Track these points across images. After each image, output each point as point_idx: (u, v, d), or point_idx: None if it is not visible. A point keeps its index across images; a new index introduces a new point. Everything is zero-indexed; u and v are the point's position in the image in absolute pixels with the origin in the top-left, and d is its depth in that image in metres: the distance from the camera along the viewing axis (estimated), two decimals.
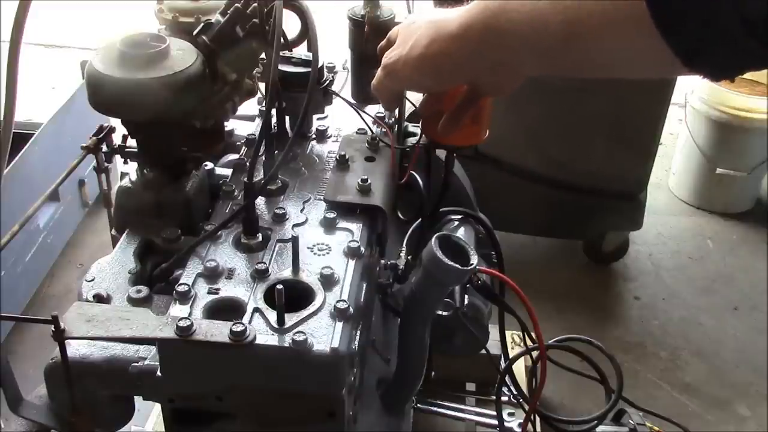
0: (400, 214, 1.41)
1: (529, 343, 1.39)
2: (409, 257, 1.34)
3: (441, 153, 1.28)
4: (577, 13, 0.70)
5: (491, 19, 0.78)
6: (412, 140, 1.43)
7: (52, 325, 0.95)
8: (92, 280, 1.14)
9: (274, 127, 1.38)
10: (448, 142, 1.20)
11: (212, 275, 1.08)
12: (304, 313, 1.00)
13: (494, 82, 0.87)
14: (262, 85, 1.40)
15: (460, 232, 1.40)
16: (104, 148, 1.34)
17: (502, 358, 1.54)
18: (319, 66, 1.32)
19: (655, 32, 0.64)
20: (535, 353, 1.41)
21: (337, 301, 1.01)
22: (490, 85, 0.89)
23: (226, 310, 1.03)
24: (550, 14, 0.72)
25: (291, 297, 0.99)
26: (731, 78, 0.67)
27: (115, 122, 1.29)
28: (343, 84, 1.51)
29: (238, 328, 0.94)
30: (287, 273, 1.08)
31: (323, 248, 1.14)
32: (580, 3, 0.70)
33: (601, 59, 0.75)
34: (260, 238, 1.15)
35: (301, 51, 1.44)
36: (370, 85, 1.04)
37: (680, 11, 0.62)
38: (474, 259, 1.06)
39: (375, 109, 1.46)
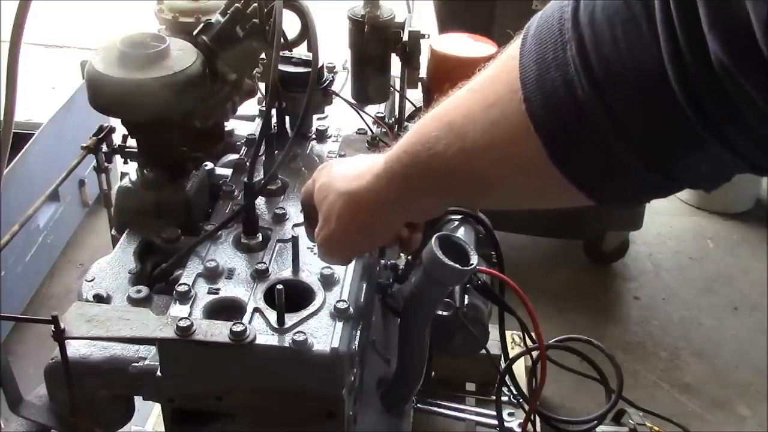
0: None
1: (529, 343, 1.39)
2: (409, 257, 1.34)
3: None
4: (486, 163, 0.70)
5: (402, 186, 0.80)
6: None
7: (52, 325, 0.95)
8: (92, 280, 1.14)
9: (274, 127, 1.38)
10: None
11: (212, 275, 1.08)
12: (304, 313, 1.00)
13: (419, 219, 0.96)
14: (262, 85, 1.40)
15: (460, 232, 1.39)
16: (104, 148, 1.34)
17: (502, 358, 1.54)
18: (319, 66, 1.32)
19: (559, 174, 0.64)
20: (535, 353, 1.41)
21: (337, 301, 1.01)
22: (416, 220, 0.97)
23: (226, 310, 1.03)
24: (460, 170, 0.72)
25: (291, 297, 0.99)
26: (637, 205, 0.69)
27: (115, 122, 1.29)
28: (343, 84, 1.51)
29: (238, 328, 0.94)
30: (287, 273, 1.08)
31: None
32: (487, 151, 0.69)
33: (513, 200, 0.83)
34: (260, 238, 1.15)
35: (301, 51, 1.44)
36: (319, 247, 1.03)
37: (579, 156, 0.63)
38: (474, 259, 1.05)
39: (375, 109, 1.46)
